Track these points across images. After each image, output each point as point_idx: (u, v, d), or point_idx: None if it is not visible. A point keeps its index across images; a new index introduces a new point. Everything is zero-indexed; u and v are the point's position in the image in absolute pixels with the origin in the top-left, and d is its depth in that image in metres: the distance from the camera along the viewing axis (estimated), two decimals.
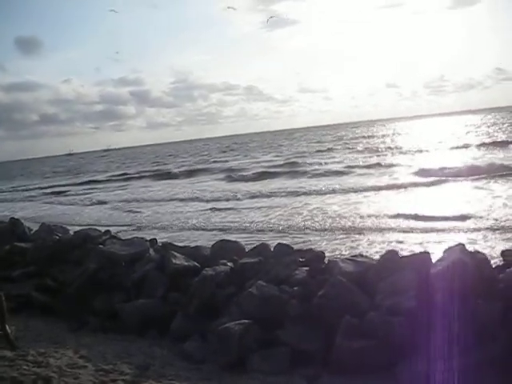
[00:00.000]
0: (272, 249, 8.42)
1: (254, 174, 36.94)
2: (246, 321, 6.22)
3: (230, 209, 21.28)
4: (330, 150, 55.65)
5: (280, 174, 34.54)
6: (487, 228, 13.15)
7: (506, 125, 67.87)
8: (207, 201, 25.11)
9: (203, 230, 17.07)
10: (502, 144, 40.13)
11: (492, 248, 11.13)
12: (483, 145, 41.43)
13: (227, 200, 24.62)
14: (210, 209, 21.75)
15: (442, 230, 13.42)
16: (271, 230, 15.70)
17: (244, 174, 38.26)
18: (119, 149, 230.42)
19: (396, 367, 5.31)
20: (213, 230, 16.81)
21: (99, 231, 10.73)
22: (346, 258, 7.28)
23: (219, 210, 21.26)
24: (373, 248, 12.20)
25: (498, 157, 32.19)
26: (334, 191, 23.56)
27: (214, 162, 57.39)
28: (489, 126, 70.05)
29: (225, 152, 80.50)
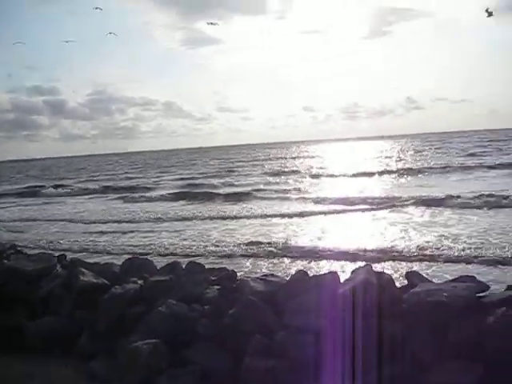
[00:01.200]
0: (183, 267, 8.39)
1: (161, 194, 36.30)
2: (155, 340, 6.13)
3: (133, 231, 20.60)
4: (242, 170, 56.53)
5: (188, 195, 33.97)
6: (393, 252, 13.67)
7: (413, 151, 72.39)
8: (110, 221, 24.10)
9: (106, 253, 16.27)
10: (409, 171, 41.75)
11: (397, 270, 11.62)
12: (391, 171, 43.20)
13: (131, 221, 23.68)
14: (104, 231, 20.97)
15: (349, 256, 13.70)
16: (181, 253, 15.44)
17: (151, 194, 37.73)
18: (30, 160, 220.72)
19: None
20: (117, 252, 16.02)
21: (3, 245, 10.29)
22: (257, 278, 7.27)
23: (121, 232, 20.47)
24: (283, 270, 12.36)
25: (406, 184, 33.86)
26: (241, 215, 23.44)
27: (122, 179, 56.49)
28: (397, 152, 74.32)
29: (137, 169, 79.46)
